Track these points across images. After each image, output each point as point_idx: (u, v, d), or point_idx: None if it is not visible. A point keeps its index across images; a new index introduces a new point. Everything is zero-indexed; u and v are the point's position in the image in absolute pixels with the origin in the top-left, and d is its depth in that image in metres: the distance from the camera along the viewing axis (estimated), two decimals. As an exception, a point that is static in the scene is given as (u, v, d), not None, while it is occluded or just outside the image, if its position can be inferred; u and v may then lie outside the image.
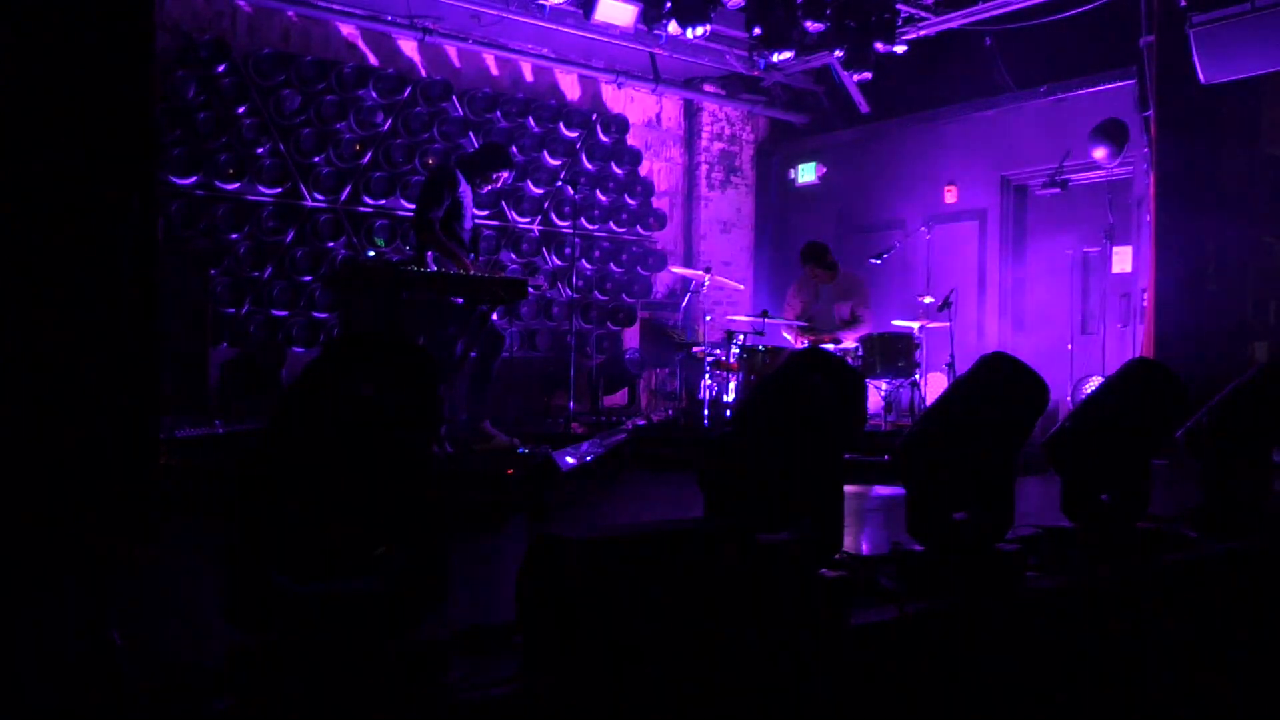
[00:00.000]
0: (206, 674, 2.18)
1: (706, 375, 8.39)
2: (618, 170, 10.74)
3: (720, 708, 2.52)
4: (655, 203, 11.21)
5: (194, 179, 8.21)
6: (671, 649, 2.46)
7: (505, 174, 7.01)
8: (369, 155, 9.15)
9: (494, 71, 10.18)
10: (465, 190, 6.47)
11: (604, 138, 10.61)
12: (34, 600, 3.10)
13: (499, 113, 9.85)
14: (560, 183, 10.25)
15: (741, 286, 10.96)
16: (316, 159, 8.82)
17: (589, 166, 10.53)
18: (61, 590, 3.17)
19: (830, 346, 8.13)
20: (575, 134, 10.38)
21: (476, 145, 9.77)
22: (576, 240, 10.07)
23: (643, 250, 11.04)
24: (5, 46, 3.34)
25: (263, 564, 2.11)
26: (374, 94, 9.09)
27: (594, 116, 10.54)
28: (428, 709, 2.17)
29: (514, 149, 9.94)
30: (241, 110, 8.45)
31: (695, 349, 8.87)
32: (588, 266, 10.57)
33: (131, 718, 2.08)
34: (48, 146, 3.44)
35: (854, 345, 8.27)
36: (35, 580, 3.25)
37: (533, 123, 10.06)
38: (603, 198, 10.69)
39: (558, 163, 10.29)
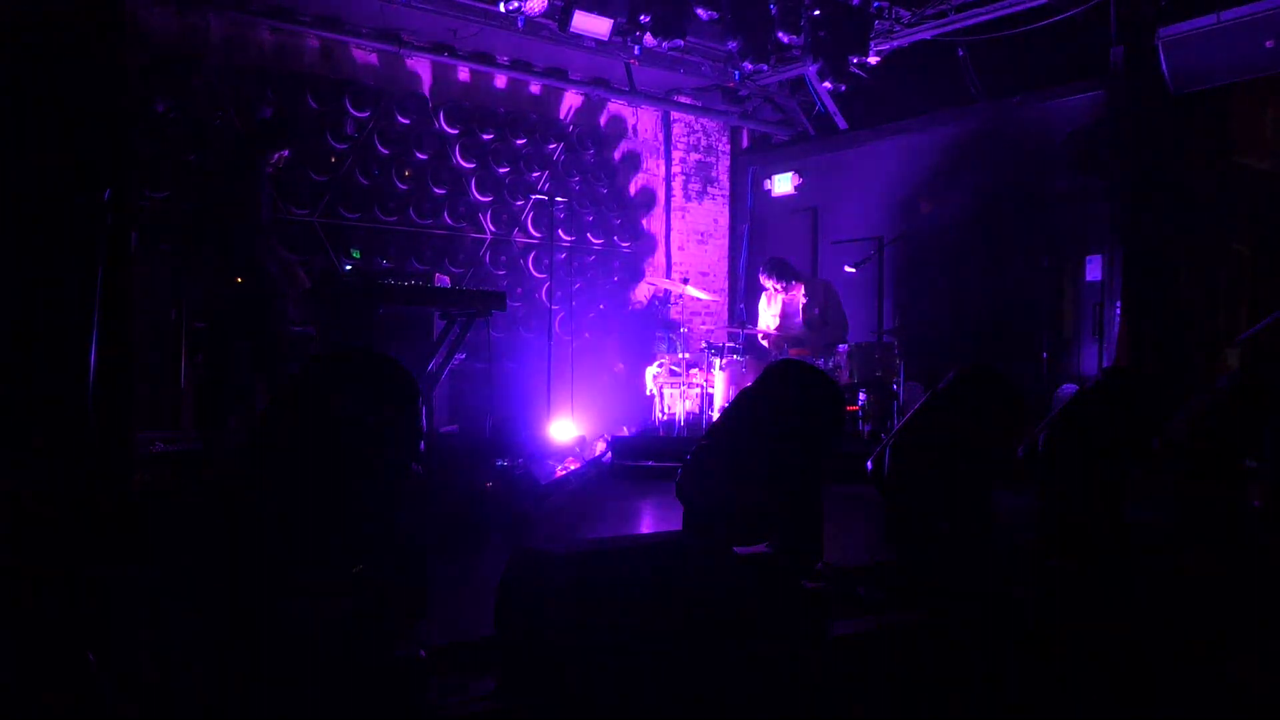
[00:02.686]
0: (183, 694, 2.17)
1: (685, 386, 8.40)
2: (595, 182, 10.76)
3: (701, 721, 2.52)
4: (632, 214, 11.23)
5: (168, 192, 8.15)
6: (651, 662, 2.45)
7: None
8: (345, 168, 9.12)
9: (470, 84, 10.17)
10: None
11: (580, 149, 10.62)
12: (7, 622, 3.06)
13: (475, 125, 9.85)
14: (536, 194, 10.25)
15: (718, 297, 10.99)
16: (293, 172, 8.77)
17: (565, 178, 10.54)
18: (35, 611, 3.13)
19: (820, 362, 8.14)
20: (552, 146, 10.39)
21: (458, 159, 9.77)
22: (553, 252, 10.05)
23: (620, 261, 11.05)
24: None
25: (241, 581, 2.10)
26: (350, 108, 9.06)
27: (570, 128, 10.55)
28: (407, 727, 2.16)
29: (489, 160, 9.95)
30: (216, 124, 8.40)
31: (673, 360, 8.89)
32: (565, 277, 10.57)
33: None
34: (20, 156, 3.41)
35: (838, 359, 8.25)
36: (8, 601, 3.21)
37: (509, 135, 10.07)
38: (579, 209, 10.69)
39: (534, 175, 10.30)
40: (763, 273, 8.88)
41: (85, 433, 3.32)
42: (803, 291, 8.83)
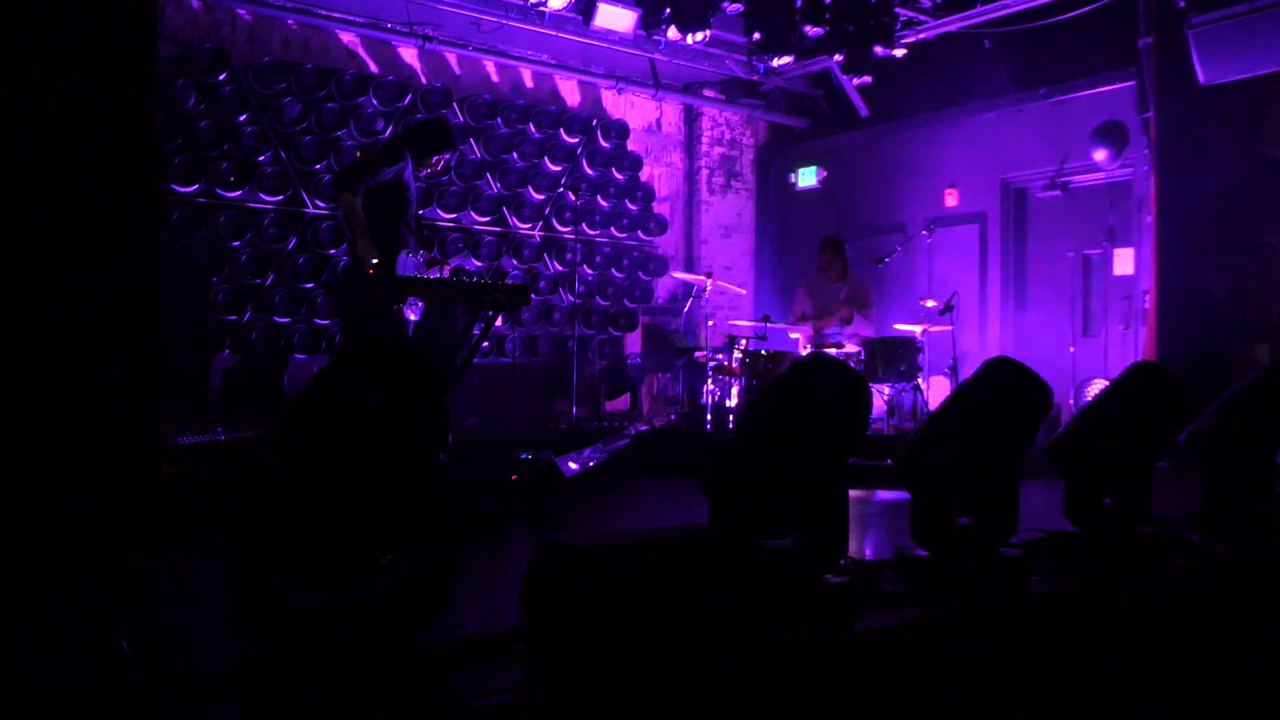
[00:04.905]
0: (211, 682, 2.19)
1: (709, 380, 8.39)
2: (618, 176, 10.75)
3: (725, 715, 2.52)
4: (656, 208, 11.21)
5: (195, 187, 8.22)
6: (676, 656, 2.45)
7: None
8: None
9: (494, 78, 10.19)
10: (410, 173, 5.90)
11: (604, 143, 10.61)
12: (40, 609, 3.10)
13: (499, 119, 9.86)
14: (561, 189, 10.24)
15: (743, 291, 10.97)
16: (318, 166, 8.83)
17: (590, 172, 10.53)
18: (67, 599, 3.17)
19: (832, 351, 8.12)
20: (576, 140, 10.39)
21: (478, 152, 9.78)
22: (578, 246, 10.07)
23: (644, 255, 11.04)
24: (6, 56, 3.34)
25: (268, 572, 2.11)
26: (374, 101, 9.09)
27: (594, 122, 10.55)
28: (431, 717, 2.17)
29: (514, 155, 9.96)
30: (242, 118, 8.46)
31: (697, 354, 8.87)
32: (589, 272, 10.57)
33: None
34: (49, 155, 3.45)
35: (856, 349, 8.25)
36: (41, 589, 3.25)
37: (533, 129, 10.08)
38: (604, 203, 10.69)
39: (558, 169, 10.30)
40: (823, 248, 8.79)
41: (114, 425, 3.36)
42: (846, 284, 8.76)
